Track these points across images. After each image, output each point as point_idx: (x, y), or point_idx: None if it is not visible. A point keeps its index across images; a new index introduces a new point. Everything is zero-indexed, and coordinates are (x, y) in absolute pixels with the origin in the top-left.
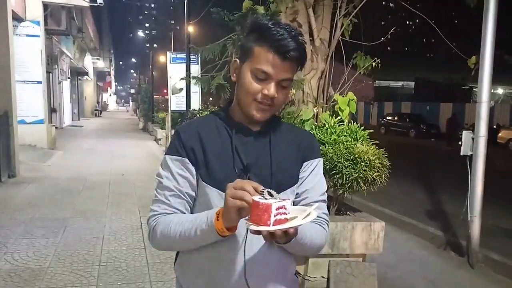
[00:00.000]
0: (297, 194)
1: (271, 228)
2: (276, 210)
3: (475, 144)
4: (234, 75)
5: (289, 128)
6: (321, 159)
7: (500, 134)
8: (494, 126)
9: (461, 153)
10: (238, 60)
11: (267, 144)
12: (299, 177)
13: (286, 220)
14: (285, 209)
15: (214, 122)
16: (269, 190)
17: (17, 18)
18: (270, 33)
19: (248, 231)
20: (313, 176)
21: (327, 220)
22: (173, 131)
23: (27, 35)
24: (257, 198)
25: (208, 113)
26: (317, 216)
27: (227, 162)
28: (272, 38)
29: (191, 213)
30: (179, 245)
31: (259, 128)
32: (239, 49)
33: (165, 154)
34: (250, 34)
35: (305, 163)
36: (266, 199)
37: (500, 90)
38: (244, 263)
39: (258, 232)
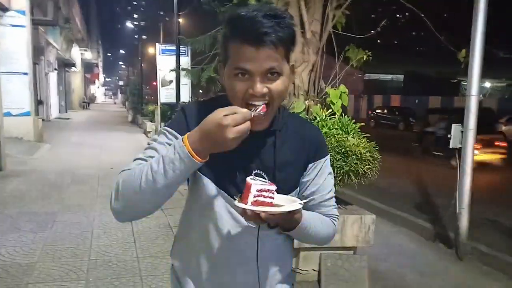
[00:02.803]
0: (303, 196)
1: (246, 206)
2: (258, 191)
3: (464, 137)
4: (223, 80)
5: (298, 125)
6: (328, 157)
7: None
8: None
9: (450, 146)
10: (221, 65)
11: (272, 147)
12: (305, 180)
13: (270, 204)
14: (271, 193)
15: None
16: (259, 171)
17: (2, 8)
18: (239, 22)
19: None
20: (319, 177)
21: (337, 215)
22: (162, 124)
23: (12, 25)
24: (248, 178)
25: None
26: (327, 213)
27: (229, 162)
28: (242, 27)
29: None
30: (146, 192)
31: (265, 126)
32: (220, 51)
33: (166, 126)
34: (224, 30)
35: (310, 165)
36: (254, 179)
37: (487, 84)
38: (257, 250)
39: (238, 207)
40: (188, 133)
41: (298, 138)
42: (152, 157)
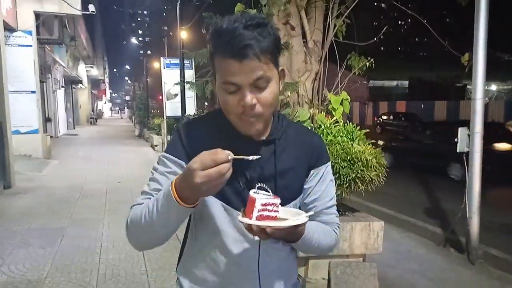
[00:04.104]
0: (304, 203)
1: (251, 222)
2: (263, 205)
3: (471, 141)
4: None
5: (297, 132)
6: (329, 164)
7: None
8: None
9: (458, 150)
10: (212, 79)
11: (272, 155)
12: (307, 186)
13: (275, 218)
14: (276, 207)
15: (215, 127)
16: (262, 185)
17: (9, 28)
18: (221, 36)
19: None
20: (321, 184)
21: (338, 224)
22: (169, 137)
23: (19, 45)
24: (252, 191)
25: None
26: (328, 221)
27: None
28: (223, 40)
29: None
30: (149, 229)
31: (263, 137)
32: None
33: (164, 151)
34: (209, 45)
35: (312, 172)
36: (258, 193)
37: (493, 87)
38: (258, 267)
39: (242, 222)
40: (177, 177)
41: (299, 145)
42: (156, 189)
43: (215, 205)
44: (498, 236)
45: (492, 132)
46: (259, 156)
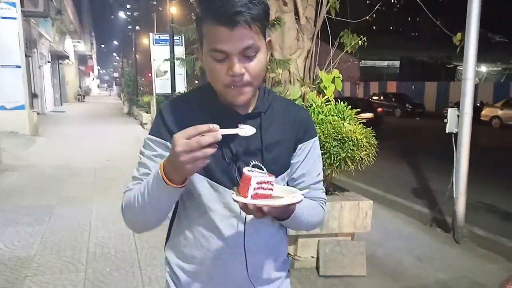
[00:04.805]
0: (292, 178)
1: (247, 200)
2: (258, 184)
3: (460, 122)
4: (202, 62)
5: (284, 106)
6: (317, 138)
7: (483, 112)
8: (478, 104)
9: (447, 131)
10: (198, 47)
11: (258, 129)
12: (294, 161)
13: (270, 196)
14: (271, 185)
15: (200, 103)
16: (257, 163)
17: None
18: (211, 2)
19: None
20: (308, 158)
21: (325, 199)
22: None
23: (3, 17)
24: (246, 169)
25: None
26: (315, 197)
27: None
28: (214, 7)
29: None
30: (142, 211)
31: (248, 110)
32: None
33: (148, 134)
34: (197, 11)
35: (299, 146)
36: (253, 171)
37: (483, 68)
38: (244, 246)
39: (236, 201)
40: (164, 159)
41: (285, 118)
42: (145, 174)
43: (201, 182)
44: (484, 216)
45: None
46: (253, 131)
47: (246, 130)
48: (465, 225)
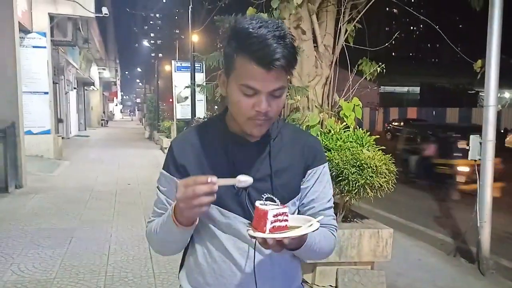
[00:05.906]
0: (302, 204)
1: (266, 235)
2: (274, 217)
3: (483, 149)
4: (224, 89)
5: (292, 133)
6: (326, 164)
7: (508, 139)
8: (502, 131)
9: (469, 158)
10: (223, 74)
11: (267, 155)
12: (304, 186)
13: (286, 227)
14: (286, 216)
15: (210, 133)
16: (269, 195)
17: (24, 30)
18: (249, 40)
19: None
20: (318, 184)
21: (336, 226)
22: None
23: (34, 47)
24: (258, 203)
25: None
26: (326, 224)
27: (225, 176)
28: (253, 47)
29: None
30: (161, 243)
31: (258, 138)
32: (223, 60)
33: (162, 168)
34: (231, 42)
35: (309, 172)
36: (266, 204)
37: (507, 94)
38: (254, 273)
39: (254, 237)
40: (175, 201)
41: (295, 144)
42: (163, 208)
43: (212, 210)
44: (510, 246)
45: None
46: (250, 181)
47: (242, 181)
48: (491, 256)
